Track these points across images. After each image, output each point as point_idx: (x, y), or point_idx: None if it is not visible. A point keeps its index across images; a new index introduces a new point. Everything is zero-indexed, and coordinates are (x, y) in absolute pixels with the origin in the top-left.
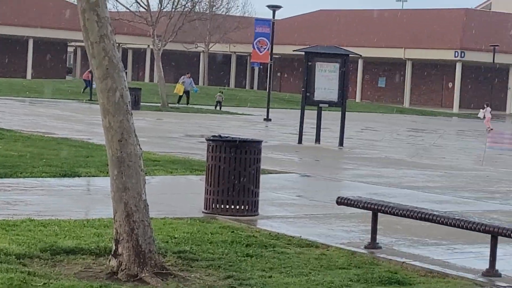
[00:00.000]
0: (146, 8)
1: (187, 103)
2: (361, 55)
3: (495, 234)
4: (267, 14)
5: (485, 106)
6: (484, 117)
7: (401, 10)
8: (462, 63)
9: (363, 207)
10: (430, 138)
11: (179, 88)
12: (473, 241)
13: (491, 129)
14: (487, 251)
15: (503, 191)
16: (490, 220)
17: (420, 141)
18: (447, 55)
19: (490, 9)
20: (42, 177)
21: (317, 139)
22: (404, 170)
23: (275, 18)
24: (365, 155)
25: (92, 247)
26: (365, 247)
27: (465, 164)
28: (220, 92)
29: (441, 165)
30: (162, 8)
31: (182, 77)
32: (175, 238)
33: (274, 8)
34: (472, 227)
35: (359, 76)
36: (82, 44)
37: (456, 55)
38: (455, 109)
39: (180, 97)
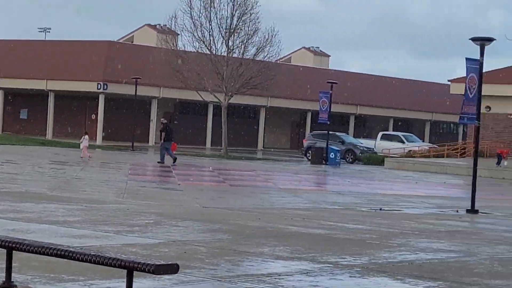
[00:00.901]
0: None
1: None
2: (1, 87)
3: (130, 269)
4: None
5: (83, 135)
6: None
7: (44, 41)
8: (105, 95)
9: None
10: (72, 170)
11: None
12: (111, 275)
13: (90, 157)
14: (124, 285)
15: (142, 224)
16: (127, 254)
17: (62, 173)
18: (91, 87)
19: (132, 41)
20: None
21: None
22: (44, 204)
23: None
24: (4, 190)
25: None
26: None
27: (107, 197)
28: None
29: (82, 198)
30: None
31: None
32: None
33: None
34: (109, 263)
35: (0, 108)
36: None
37: (99, 87)
38: (99, 141)
39: None
